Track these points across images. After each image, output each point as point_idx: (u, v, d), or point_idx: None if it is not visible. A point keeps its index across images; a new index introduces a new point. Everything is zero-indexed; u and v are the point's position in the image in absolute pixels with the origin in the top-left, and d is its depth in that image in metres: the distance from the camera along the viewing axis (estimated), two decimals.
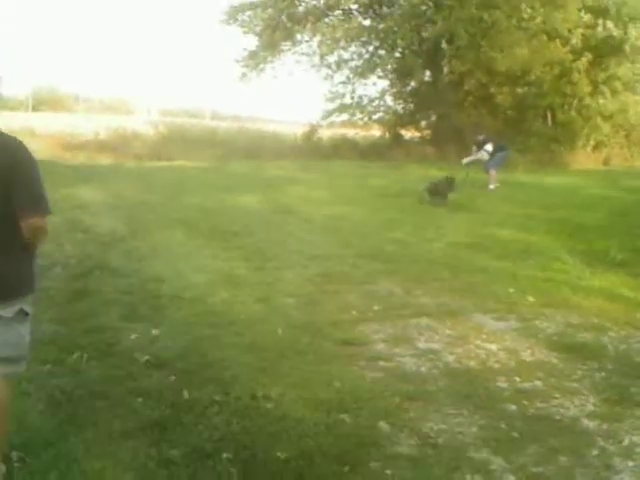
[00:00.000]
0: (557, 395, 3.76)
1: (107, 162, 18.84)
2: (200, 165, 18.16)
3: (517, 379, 3.99)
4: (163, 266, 6.69)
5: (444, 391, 3.82)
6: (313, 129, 25.15)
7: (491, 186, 14.43)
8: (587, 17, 23.46)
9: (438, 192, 12.02)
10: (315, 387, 3.80)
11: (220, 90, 57.19)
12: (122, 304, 5.36)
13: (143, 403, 3.49)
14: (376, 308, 5.47)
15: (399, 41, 24.28)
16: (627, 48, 23.67)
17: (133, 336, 4.59)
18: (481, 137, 15.29)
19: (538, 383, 3.93)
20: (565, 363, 4.26)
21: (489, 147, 14.72)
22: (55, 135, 22.46)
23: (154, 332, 4.67)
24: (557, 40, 22.93)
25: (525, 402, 3.66)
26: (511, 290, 5.99)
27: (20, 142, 2.60)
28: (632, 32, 23.36)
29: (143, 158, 19.87)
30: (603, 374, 4.08)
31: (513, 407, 3.60)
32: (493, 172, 14.66)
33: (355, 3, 24.71)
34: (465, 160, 14.85)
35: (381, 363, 4.28)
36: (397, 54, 25.73)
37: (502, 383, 3.94)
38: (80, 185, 12.65)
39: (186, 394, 3.60)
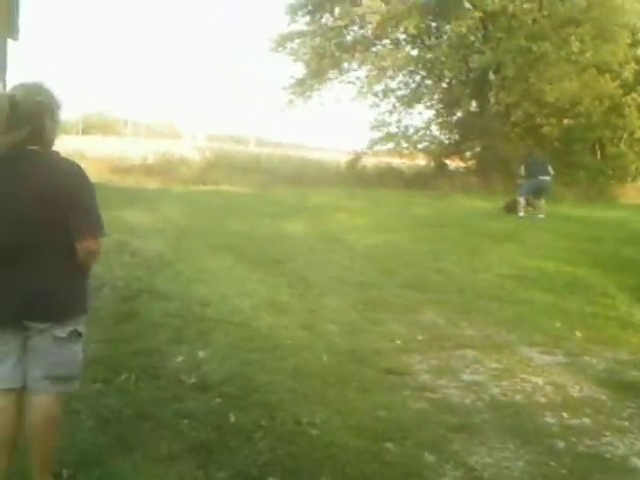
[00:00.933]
0: (606, 433, 3.69)
1: (154, 186, 19.12)
2: (244, 191, 18.35)
3: (565, 415, 3.92)
4: (209, 290, 6.75)
5: (489, 424, 3.77)
6: (357, 157, 25.29)
7: (520, 213, 14.46)
8: None
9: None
10: (359, 415, 3.79)
11: (265, 117, 57.97)
12: (169, 327, 5.41)
13: (189, 425, 3.52)
14: (420, 338, 5.45)
15: (446, 71, 24.41)
16: None
17: (179, 359, 4.63)
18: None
19: (586, 420, 3.86)
20: (614, 401, 4.18)
21: (522, 170, 14.69)
22: (104, 158, 22.95)
23: (200, 355, 4.71)
24: (607, 74, 22.73)
25: (573, 439, 3.60)
26: (558, 324, 5.91)
27: (80, 167, 2.68)
28: None
29: (189, 183, 20.16)
30: None
31: (561, 443, 3.54)
32: (521, 199, 14.65)
33: (403, 33, 24.85)
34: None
35: (425, 394, 4.24)
36: (444, 84, 25.83)
37: (549, 418, 3.87)
38: (128, 208, 12.84)
39: (232, 417, 3.63)
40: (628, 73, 23.11)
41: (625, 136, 24.29)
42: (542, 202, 14.71)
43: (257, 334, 5.38)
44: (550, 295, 7.16)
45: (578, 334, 5.63)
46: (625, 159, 24.19)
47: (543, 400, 4.16)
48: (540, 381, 4.49)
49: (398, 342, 5.32)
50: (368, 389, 4.26)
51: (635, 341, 5.48)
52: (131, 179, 20.26)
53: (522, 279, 8.01)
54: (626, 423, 3.84)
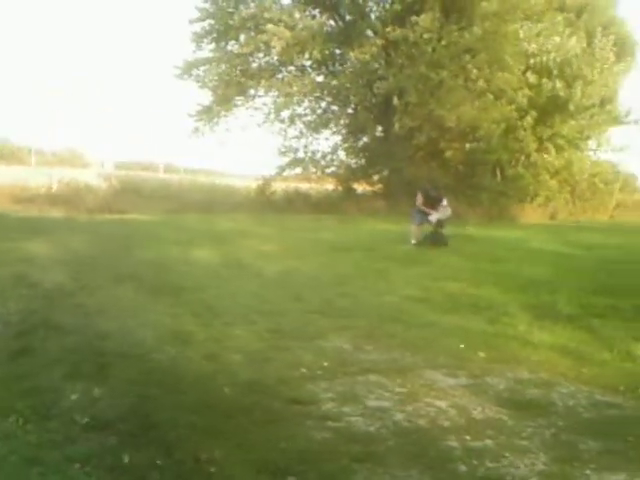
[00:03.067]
0: (507, 454, 3.71)
1: (58, 215, 18.57)
2: (153, 219, 18.01)
3: (467, 437, 3.93)
4: (110, 322, 6.51)
5: (393, 451, 3.74)
6: (266, 183, 25.30)
7: (412, 241, 14.08)
8: (532, 77, 24.31)
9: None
10: (261, 448, 3.69)
11: (174, 144, 57.33)
12: (65, 363, 5.16)
13: (80, 469, 3.33)
14: (326, 365, 5.39)
15: (351, 97, 24.82)
16: (572, 106, 24.54)
17: (74, 397, 4.40)
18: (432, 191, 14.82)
19: (488, 442, 3.89)
20: (515, 420, 4.23)
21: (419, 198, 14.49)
22: (6, 188, 22.12)
23: (97, 392, 4.50)
24: (503, 99, 23.66)
25: (475, 462, 3.61)
26: (462, 345, 5.98)
27: None
28: (577, 91, 24.23)
29: (95, 211, 19.66)
30: (553, 431, 4.06)
31: (463, 467, 3.54)
32: (413, 227, 14.40)
33: (308, 60, 25.15)
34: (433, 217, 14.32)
35: (329, 423, 4.18)
36: (350, 110, 26.24)
37: (452, 442, 3.88)
38: (28, 238, 12.38)
39: (126, 458, 3.46)
40: (522, 98, 24.13)
41: (522, 159, 25.29)
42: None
43: (158, 367, 5.20)
44: (454, 316, 7.26)
45: (481, 354, 5.71)
46: (523, 181, 25.17)
47: (446, 424, 4.17)
48: (444, 404, 4.50)
49: (303, 370, 5.24)
50: (271, 420, 4.16)
51: (534, 359, 5.59)
52: (35, 208, 19.66)
53: (427, 301, 8.10)
54: (526, 443, 3.89)
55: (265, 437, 3.86)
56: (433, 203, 14.31)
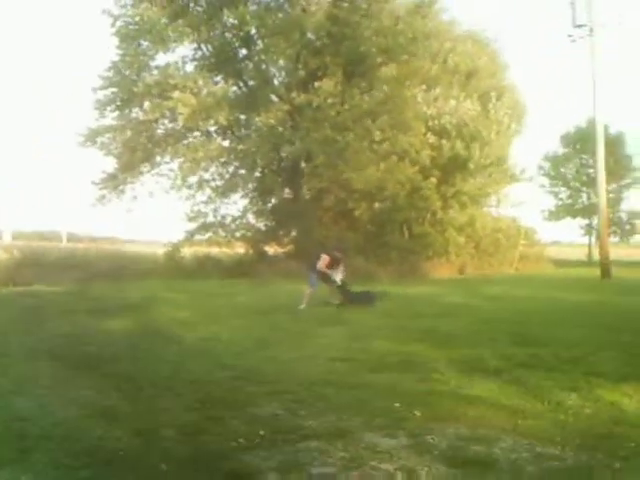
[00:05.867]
0: None
1: None
2: (60, 289, 17.35)
3: None
4: (29, 402, 6.11)
5: None
6: (175, 248, 24.90)
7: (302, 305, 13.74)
8: (433, 138, 25.26)
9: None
10: None
11: (75, 212, 55.87)
12: None
13: None
14: (262, 433, 5.21)
15: (258, 161, 24.99)
16: (471, 165, 25.59)
17: None
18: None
19: None
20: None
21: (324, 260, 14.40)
22: None
23: (23, 479, 4.16)
24: (407, 160, 24.40)
25: None
26: (396, 404, 5.93)
27: None
28: (476, 151, 25.32)
29: None
30: None
31: None
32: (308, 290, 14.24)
33: (214, 125, 25.23)
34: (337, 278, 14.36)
35: None
36: (257, 173, 26.39)
37: None
38: None
39: None
40: (425, 158, 24.98)
41: (428, 216, 26.02)
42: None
43: (85, 448, 4.88)
44: (383, 375, 7.21)
45: (417, 413, 5.66)
46: (430, 237, 25.84)
47: None
48: (390, 467, 4.41)
49: (241, 440, 5.04)
50: None
51: (471, 414, 5.59)
52: None
53: (353, 361, 8.03)
54: None
55: None
56: (334, 265, 14.41)
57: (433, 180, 25.04)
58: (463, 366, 7.48)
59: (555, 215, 50.36)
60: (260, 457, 4.69)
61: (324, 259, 14.37)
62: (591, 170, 41.03)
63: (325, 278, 14.32)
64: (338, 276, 14.30)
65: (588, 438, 4.97)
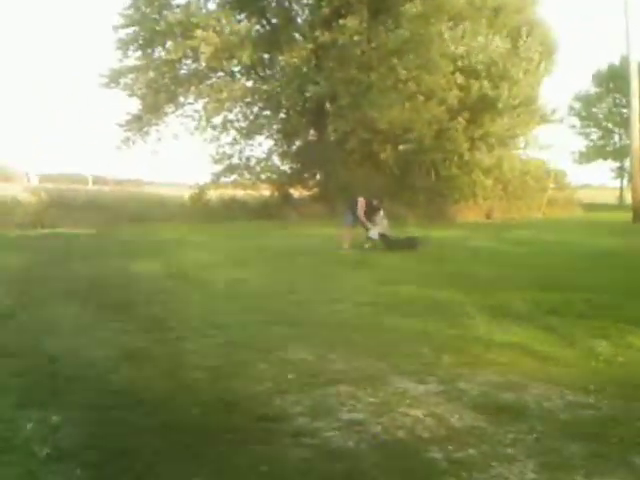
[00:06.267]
0: (494, 464, 3.59)
1: None
2: (86, 232, 17.45)
3: (450, 448, 3.80)
4: (58, 343, 6.15)
5: (378, 467, 3.57)
6: (201, 191, 24.89)
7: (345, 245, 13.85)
8: (460, 78, 24.63)
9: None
10: (240, 473, 3.48)
11: (102, 154, 56.04)
12: (15, 389, 4.82)
13: None
14: (291, 377, 5.19)
15: (283, 102, 24.65)
16: (500, 105, 24.99)
17: (29, 426, 4.09)
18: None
19: (472, 451, 3.76)
20: (495, 427, 4.11)
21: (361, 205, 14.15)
22: None
23: (54, 420, 4.18)
24: (433, 100, 23.89)
25: (464, 474, 3.47)
26: (425, 350, 5.87)
27: None
28: (504, 91, 24.68)
29: (26, 226, 18.91)
30: (534, 436, 3.95)
31: None
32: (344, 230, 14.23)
33: (237, 65, 24.88)
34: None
35: (305, 439, 3.98)
36: (282, 114, 26.08)
37: (436, 453, 3.73)
38: None
39: None
40: (452, 99, 24.42)
41: (455, 158, 25.60)
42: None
43: (116, 389, 4.90)
44: (411, 320, 7.15)
45: (446, 358, 5.61)
46: (457, 180, 25.49)
47: (426, 434, 4.02)
48: (419, 413, 4.36)
49: (268, 384, 5.03)
50: (244, 441, 3.93)
51: (502, 361, 5.52)
52: None
53: (381, 305, 7.98)
54: (510, 450, 3.77)
55: (241, 460, 3.64)
56: (371, 213, 14.17)
57: (461, 120, 24.53)
58: (493, 311, 7.39)
59: (586, 157, 49.48)
60: (289, 401, 4.67)
61: (361, 203, 14.10)
62: (624, 110, 40.03)
63: (355, 219, 14.16)
64: (375, 231, 14.01)
65: (622, 386, 4.88)
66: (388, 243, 13.82)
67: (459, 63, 25.37)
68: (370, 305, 8.04)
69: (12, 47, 66.68)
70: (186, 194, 25.49)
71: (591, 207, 34.65)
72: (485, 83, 25.42)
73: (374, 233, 13.97)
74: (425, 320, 7.11)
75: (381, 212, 14.31)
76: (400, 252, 13.06)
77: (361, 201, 14.16)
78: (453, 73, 24.99)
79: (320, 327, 6.96)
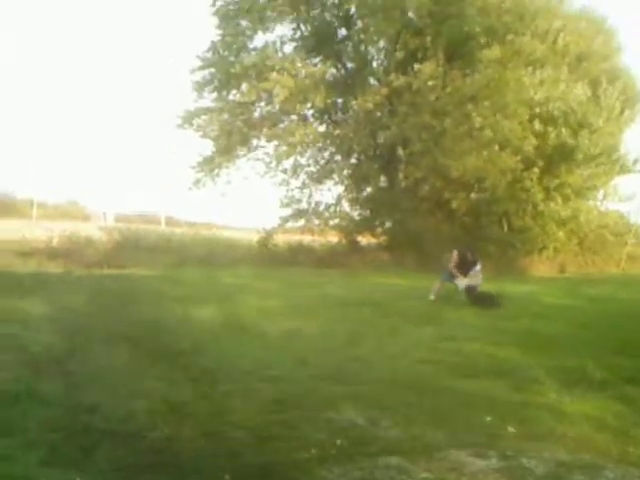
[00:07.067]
0: None
1: (57, 270, 18.04)
2: (152, 273, 17.51)
3: None
4: (100, 392, 5.92)
5: None
6: (268, 235, 24.83)
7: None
8: (538, 126, 23.95)
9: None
10: None
11: (175, 195, 57.03)
12: (44, 444, 4.57)
13: None
14: (339, 443, 4.80)
15: (355, 147, 24.53)
16: (579, 155, 24.15)
17: None
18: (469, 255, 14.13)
19: None
20: None
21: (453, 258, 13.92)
22: (5, 241, 21.68)
23: None
24: (508, 149, 23.26)
25: None
26: (488, 418, 5.39)
27: None
28: (584, 140, 23.87)
29: (94, 265, 19.13)
30: None
31: None
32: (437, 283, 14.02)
33: (310, 109, 24.96)
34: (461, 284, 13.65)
35: None
36: (353, 160, 25.94)
37: None
38: (21, 295, 11.83)
39: None
40: (527, 147, 23.72)
41: (529, 209, 24.80)
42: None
43: (151, 447, 4.62)
44: (475, 382, 6.66)
45: (511, 429, 5.12)
46: (531, 232, 24.64)
47: None
48: None
49: (314, 451, 4.65)
50: None
51: (572, 435, 4.99)
52: (34, 263, 19.10)
53: (444, 364, 7.50)
54: None
55: None
56: (465, 267, 13.78)
57: (536, 170, 23.77)
58: (563, 376, 6.80)
59: None
60: (336, 472, 4.28)
61: (453, 256, 13.92)
62: None
63: (450, 276, 13.82)
64: (463, 282, 13.57)
65: None
66: (472, 297, 13.31)
67: (537, 110, 24.66)
68: (431, 363, 7.57)
69: (96, 89, 69.21)
70: (254, 238, 25.50)
71: None
72: (563, 131, 24.63)
73: (461, 284, 13.53)
74: (488, 383, 6.61)
75: (478, 266, 13.86)
76: (475, 308, 12.49)
77: (454, 255, 13.94)
78: (531, 120, 24.31)
79: (376, 385, 6.55)
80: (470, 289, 13.37)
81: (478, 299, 13.10)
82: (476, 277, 13.75)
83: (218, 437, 4.93)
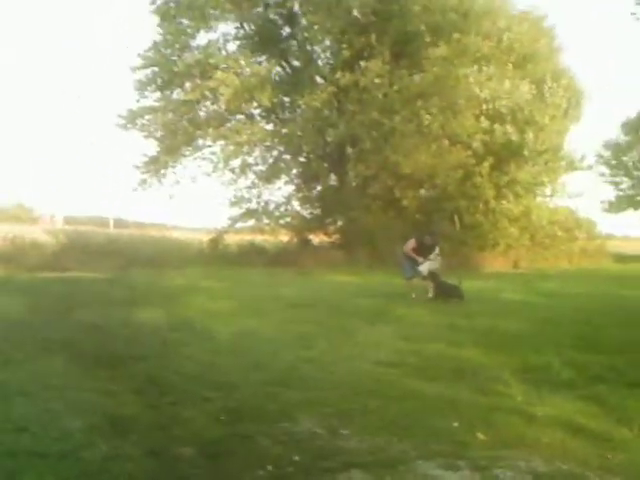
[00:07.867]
0: None
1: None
2: (98, 276, 16.84)
3: None
4: (30, 407, 5.38)
5: None
6: (219, 235, 24.35)
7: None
8: (485, 123, 23.97)
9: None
10: None
11: (125, 197, 55.91)
12: None
13: None
14: (297, 459, 4.39)
15: (303, 145, 24.17)
16: (526, 152, 24.29)
17: None
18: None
19: None
20: None
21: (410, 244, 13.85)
22: None
23: None
24: (458, 145, 23.24)
25: None
26: (455, 424, 5.03)
27: None
28: (530, 136, 24.00)
29: (38, 269, 18.35)
30: None
31: None
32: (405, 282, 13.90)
33: (257, 108, 24.54)
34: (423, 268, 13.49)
35: None
36: (302, 158, 25.60)
37: None
38: None
39: None
40: (477, 143, 23.73)
41: (480, 206, 24.80)
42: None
43: (86, 470, 4.13)
44: (438, 385, 6.30)
45: (480, 436, 4.77)
46: (482, 228, 24.66)
47: None
48: None
49: (270, 468, 4.23)
50: None
51: (545, 441, 4.66)
52: None
53: (404, 366, 7.14)
54: None
55: None
56: (425, 252, 13.58)
57: (485, 165, 23.78)
58: (529, 376, 6.52)
59: (616, 206, 48.25)
60: None
61: (410, 242, 13.72)
62: None
63: (412, 265, 13.59)
64: (425, 266, 13.41)
65: None
66: (437, 283, 13.17)
67: (484, 107, 24.69)
68: (390, 365, 7.19)
69: (41, 91, 67.39)
70: (205, 239, 24.98)
71: (620, 258, 33.48)
72: (509, 128, 24.72)
73: (424, 268, 13.29)
74: (453, 385, 6.26)
75: (437, 249, 13.63)
76: (422, 304, 12.24)
77: (410, 242, 13.80)
78: (478, 117, 24.34)
79: (333, 391, 6.13)
80: (434, 276, 13.17)
81: (444, 288, 12.96)
82: (436, 261, 13.58)
83: (164, 455, 4.46)
